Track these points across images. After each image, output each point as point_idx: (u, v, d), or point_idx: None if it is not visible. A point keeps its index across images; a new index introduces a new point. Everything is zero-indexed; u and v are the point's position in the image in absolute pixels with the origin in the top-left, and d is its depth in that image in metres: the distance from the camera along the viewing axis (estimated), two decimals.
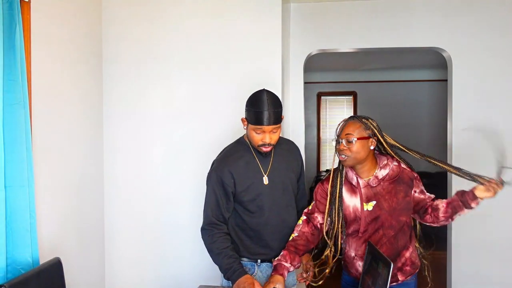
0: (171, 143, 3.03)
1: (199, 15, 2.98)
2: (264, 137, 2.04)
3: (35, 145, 2.23)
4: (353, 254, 2.08)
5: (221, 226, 2.10)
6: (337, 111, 7.50)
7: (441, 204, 2.03)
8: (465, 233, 3.28)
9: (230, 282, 2.05)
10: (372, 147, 2.00)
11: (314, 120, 7.45)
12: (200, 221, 2.99)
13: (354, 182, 2.04)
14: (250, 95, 2.11)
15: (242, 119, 2.12)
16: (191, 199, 3.00)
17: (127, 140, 3.05)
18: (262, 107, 2.01)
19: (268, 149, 2.09)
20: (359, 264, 2.05)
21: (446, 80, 3.50)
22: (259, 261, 2.16)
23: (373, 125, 2.03)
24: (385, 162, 2.04)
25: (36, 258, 2.06)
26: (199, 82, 2.98)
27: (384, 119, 7.08)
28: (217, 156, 2.21)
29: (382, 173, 2.02)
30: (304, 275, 2.16)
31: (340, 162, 2.07)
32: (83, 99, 2.81)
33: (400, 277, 2.05)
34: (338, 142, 2.02)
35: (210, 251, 2.10)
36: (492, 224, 3.24)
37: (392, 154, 2.07)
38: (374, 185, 2.01)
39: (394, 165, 2.04)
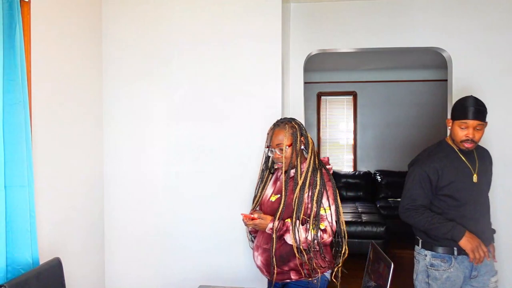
0: (170, 143, 3.03)
1: (199, 15, 2.97)
2: (468, 132, 2.23)
3: (35, 145, 2.23)
4: (254, 244, 2.27)
5: (420, 205, 2.31)
6: (337, 111, 7.51)
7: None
8: None
9: None
10: (302, 147, 2.20)
11: (314, 120, 7.45)
12: (199, 222, 2.99)
13: (279, 174, 2.26)
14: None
15: (447, 121, 2.37)
16: (191, 199, 3.00)
17: (127, 140, 3.05)
18: (467, 102, 2.24)
19: (470, 145, 2.26)
20: (255, 255, 2.23)
21: (446, 80, 3.50)
22: (455, 252, 2.27)
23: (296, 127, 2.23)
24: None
25: (36, 258, 2.06)
26: (199, 82, 2.98)
27: (384, 119, 7.16)
28: (420, 155, 2.44)
29: (285, 170, 2.17)
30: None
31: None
32: (83, 99, 2.81)
33: (294, 276, 2.13)
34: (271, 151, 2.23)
35: (419, 221, 2.30)
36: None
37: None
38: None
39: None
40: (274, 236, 2.06)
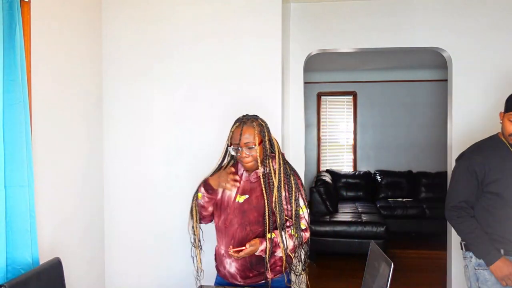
0: (170, 143, 3.03)
1: (199, 16, 2.98)
2: None
3: (35, 145, 2.23)
4: (222, 251, 2.10)
5: (467, 209, 2.23)
6: (337, 111, 7.51)
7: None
8: None
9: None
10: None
11: (314, 120, 7.45)
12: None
13: (239, 173, 2.13)
14: None
15: (499, 114, 2.27)
16: (191, 199, 2.99)
17: (127, 140, 3.05)
18: None
19: None
20: (227, 262, 2.07)
21: (446, 80, 3.50)
22: (502, 252, 2.16)
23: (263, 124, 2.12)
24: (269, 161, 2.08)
25: (36, 258, 2.06)
26: (199, 81, 2.98)
27: (384, 119, 7.16)
28: (468, 148, 2.35)
29: (261, 170, 2.07)
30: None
31: None
32: (83, 99, 2.81)
33: (269, 275, 2.06)
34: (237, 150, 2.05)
35: (458, 230, 2.26)
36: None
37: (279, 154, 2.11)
38: (253, 181, 2.08)
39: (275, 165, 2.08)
40: (267, 255, 1.97)
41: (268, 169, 2.04)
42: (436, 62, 5.67)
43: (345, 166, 7.47)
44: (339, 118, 7.51)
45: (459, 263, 3.31)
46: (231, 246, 1.99)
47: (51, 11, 2.42)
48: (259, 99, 2.93)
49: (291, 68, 3.49)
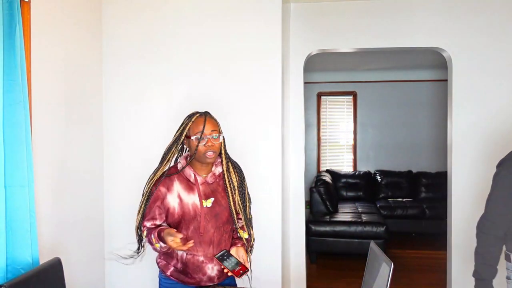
0: None
1: (199, 15, 2.98)
2: None
3: (35, 145, 2.23)
4: (201, 259, 2.03)
5: (494, 227, 2.07)
6: (337, 111, 7.51)
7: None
8: (465, 233, 3.27)
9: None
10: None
11: (314, 120, 7.46)
12: None
13: (192, 179, 2.04)
14: None
15: None
16: None
17: (127, 140, 3.05)
18: None
19: None
20: (208, 267, 2.03)
21: (446, 80, 3.50)
22: None
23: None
24: (219, 160, 2.10)
25: (36, 258, 2.06)
26: (199, 82, 2.98)
27: (384, 119, 7.17)
28: (510, 154, 2.11)
29: (218, 170, 2.08)
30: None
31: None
32: (83, 99, 2.81)
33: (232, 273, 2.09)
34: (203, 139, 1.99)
35: (477, 242, 2.14)
36: None
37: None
38: (211, 182, 2.06)
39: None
40: (250, 253, 2.08)
41: (227, 166, 2.07)
42: (436, 62, 5.68)
43: (345, 166, 7.47)
44: (339, 118, 7.52)
45: (459, 263, 3.31)
46: (230, 271, 1.92)
47: (51, 11, 2.43)
48: (259, 99, 2.93)
49: (291, 68, 3.49)
